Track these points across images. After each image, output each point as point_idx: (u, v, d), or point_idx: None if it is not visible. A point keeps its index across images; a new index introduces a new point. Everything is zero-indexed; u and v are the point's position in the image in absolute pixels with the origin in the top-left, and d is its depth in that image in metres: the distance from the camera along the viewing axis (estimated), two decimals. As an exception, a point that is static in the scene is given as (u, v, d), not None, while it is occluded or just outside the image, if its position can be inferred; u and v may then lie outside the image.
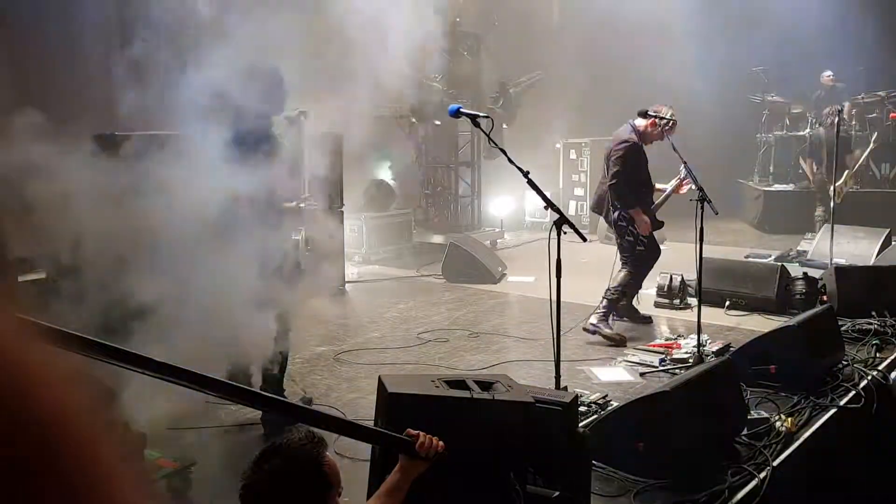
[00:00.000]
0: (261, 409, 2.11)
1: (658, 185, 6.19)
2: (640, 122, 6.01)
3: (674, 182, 6.09)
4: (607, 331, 5.84)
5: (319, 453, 2.07)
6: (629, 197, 5.96)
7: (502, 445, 2.77)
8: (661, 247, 6.49)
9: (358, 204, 9.51)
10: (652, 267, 6.32)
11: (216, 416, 4.25)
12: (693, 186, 5.48)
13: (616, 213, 6.00)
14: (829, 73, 11.66)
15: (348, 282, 8.08)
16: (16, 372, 0.41)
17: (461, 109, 4.27)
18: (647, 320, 6.31)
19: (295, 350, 5.81)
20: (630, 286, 6.13)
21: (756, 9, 12.07)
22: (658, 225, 6.17)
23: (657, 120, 5.89)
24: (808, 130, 11.23)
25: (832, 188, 8.28)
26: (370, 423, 2.71)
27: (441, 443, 2.41)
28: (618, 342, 5.76)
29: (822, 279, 6.53)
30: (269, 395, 2.22)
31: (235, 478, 2.10)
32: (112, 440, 0.45)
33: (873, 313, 5.83)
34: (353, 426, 2.39)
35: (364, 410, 4.19)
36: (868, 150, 10.32)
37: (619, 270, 6.06)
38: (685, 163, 5.39)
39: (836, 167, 8.46)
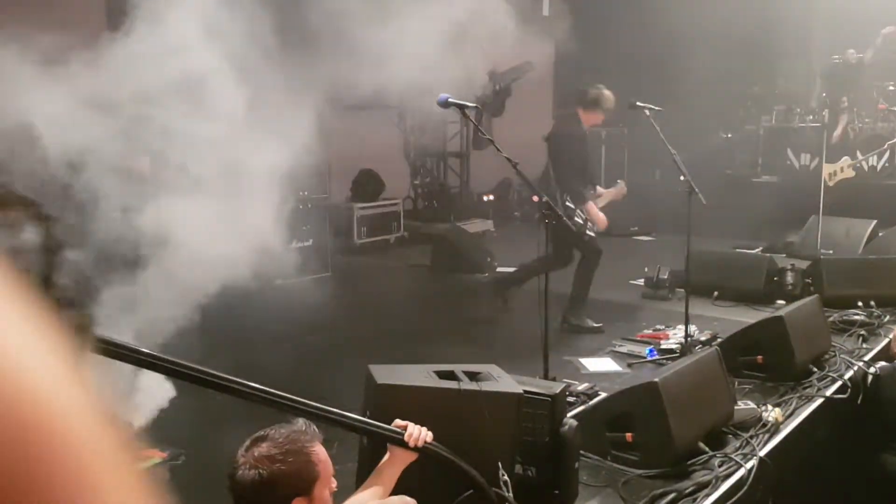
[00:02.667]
0: (244, 398, 2.10)
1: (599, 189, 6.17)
2: (582, 109, 6.05)
3: (610, 191, 6.11)
4: (585, 324, 5.91)
5: (309, 442, 2.07)
6: (580, 192, 5.87)
7: (491, 436, 2.78)
8: (649, 237, 6.51)
9: (346, 194, 9.49)
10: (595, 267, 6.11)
11: (205, 407, 4.23)
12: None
13: (566, 197, 5.86)
14: (852, 50, 11.49)
15: (336, 271, 8.05)
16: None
17: (450, 99, 4.25)
18: (599, 330, 5.96)
19: (283, 341, 5.81)
20: (586, 279, 6.00)
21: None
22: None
23: (585, 100, 5.97)
24: (796, 122, 11.27)
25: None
26: (359, 414, 2.70)
27: (430, 433, 2.41)
28: (598, 330, 5.85)
29: (809, 270, 6.56)
30: (256, 385, 2.21)
31: (225, 470, 2.09)
32: (107, 438, 0.44)
33: (860, 304, 5.87)
34: (342, 417, 2.38)
35: (352, 401, 4.17)
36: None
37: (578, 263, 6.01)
38: (674, 154, 5.38)
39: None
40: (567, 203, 5.84)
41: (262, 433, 2.09)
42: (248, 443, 2.08)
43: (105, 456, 0.43)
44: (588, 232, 5.92)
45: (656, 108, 5.58)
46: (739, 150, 12.30)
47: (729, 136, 12.37)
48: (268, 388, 2.20)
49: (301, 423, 2.13)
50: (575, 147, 5.95)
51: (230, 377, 2.14)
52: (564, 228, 5.73)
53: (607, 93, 6.01)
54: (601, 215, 5.90)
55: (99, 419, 0.44)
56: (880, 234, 8.07)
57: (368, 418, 2.60)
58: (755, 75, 12.31)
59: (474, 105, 4.22)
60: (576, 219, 5.82)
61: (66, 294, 0.64)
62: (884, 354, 4.94)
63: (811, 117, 11.08)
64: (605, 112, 6.02)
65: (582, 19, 11.49)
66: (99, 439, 0.43)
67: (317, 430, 2.13)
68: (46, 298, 0.59)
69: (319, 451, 2.09)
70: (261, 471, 2.00)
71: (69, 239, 0.67)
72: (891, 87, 11.14)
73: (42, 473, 0.39)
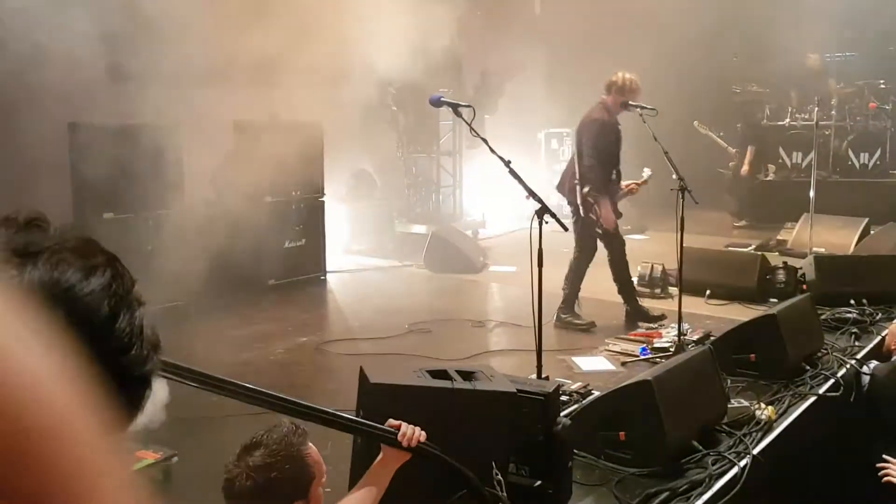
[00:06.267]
0: (236, 398, 2.09)
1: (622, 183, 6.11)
2: (605, 96, 5.96)
3: (631, 183, 6.03)
4: (577, 321, 5.95)
5: (302, 444, 2.06)
6: (600, 184, 5.83)
7: (484, 435, 2.77)
8: (643, 236, 6.52)
9: (339, 193, 9.47)
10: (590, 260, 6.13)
11: (198, 406, 4.21)
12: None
13: (586, 189, 5.82)
14: (814, 55, 11.67)
15: (330, 272, 8.04)
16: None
17: (443, 98, 4.25)
18: (591, 326, 5.99)
19: (277, 341, 5.81)
20: (580, 275, 6.02)
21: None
22: (617, 215, 6.03)
23: (616, 85, 5.87)
24: (787, 120, 11.32)
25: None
26: (352, 414, 2.69)
27: (423, 433, 2.40)
28: (587, 326, 5.89)
29: (801, 268, 6.57)
30: (250, 385, 2.20)
31: (218, 469, 2.08)
32: (104, 440, 0.44)
33: (852, 302, 5.88)
34: (335, 417, 2.37)
35: (346, 401, 4.17)
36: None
37: (572, 259, 6.03)
38: (666, 152, 5.39)
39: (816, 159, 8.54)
40: (587, 198, 5.82)
41: (254, 439, 2.07)
42: (239, 451, 2.05)
43: (101, 457, 0.43)
44: (598, 229, 5.92)
45: (649, 107, 5.59)
46: (732, 147, 12.32)
47: (721, 134, 12.40)
48: (260, 388, 2.19)
49: (288, 423, 2.11)
50: (597, 136, 5.83)
51: (221, 377, 2.13)
52: (586, 221, 5.86)
53: (626, 76, 5.89)
54: (611, 216, 5.86)
55: (94, 421, 0.44)
56: (872, 232, 8.11)
57: (362, 418, 2.59)
58: (747, 75, 12.34)
59: (467, 104, 4.20)
60: (591, 214, 5.84)
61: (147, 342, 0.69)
62: (877, 352, 4.95)
63: (805, 115, 11.11)
64: (628, 95, 5.83)
65: (576, 17, 11.53)
66: (95, 441, 0.43)
67: (304, 429, 2.12)
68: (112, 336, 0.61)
69: (312, 452, 2.09)
70: (258, 480, 1.98)
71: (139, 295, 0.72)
72: (881, 85, 11.20)
73: (39, 471, 0.39)
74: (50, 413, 0.41)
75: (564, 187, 6.09)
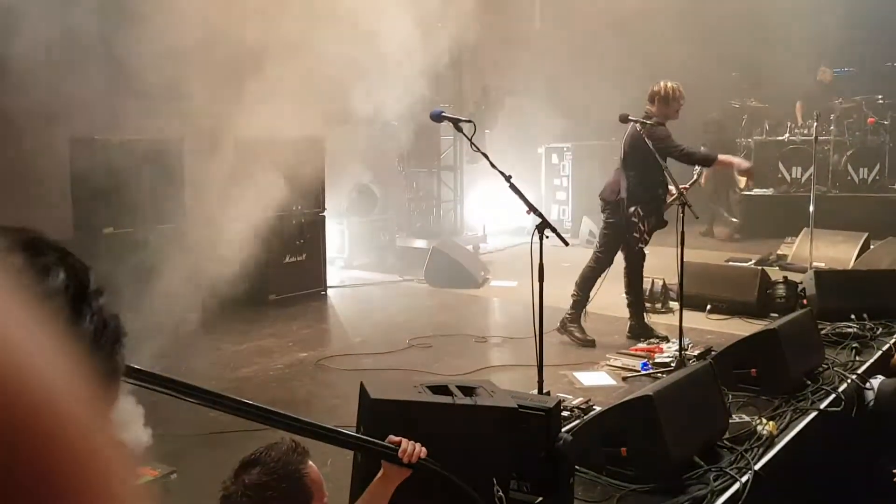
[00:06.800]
0: (235, 414, 2.08)
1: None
2: (650, 108, 5.85)
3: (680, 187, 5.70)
4: (578, 334, 5.88)
5: (301, 463, 2.04)
6: (642, 199, 5.75)
7: (485, 451, 2.76)
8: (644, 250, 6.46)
9: (340, 208, 9.49)
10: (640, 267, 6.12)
11: (197, 422, 4.20)
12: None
13: (632, 209, 5.76)
14: (827, 68, 11.75)
15: (330, 287, 8.04)
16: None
17: (443, 113, 4.26)
18: (591, 344, 5.87)
19: (277, 356, 5.79)
20: (592, 282, 5.95)
21: (738, 14, 12.18)
22: (661, 224, 5.93)
23: (659, 95, 5.79)
24: (786, 135, 11.36)
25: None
26: (352, 430, 2.68)
27: (424, 449, 2.39)
28: (587, 343, 5.82)
29: (801, 283, 6.57)
30: (250, 401, 2.20)
31: (217, 486, 2.07)
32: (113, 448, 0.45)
33: (852, 316, 5.87)
34: (335, 433, 2.37)
35: (346, 417, 4.16)
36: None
37: (587, 265, 5.97)
38: (665, 167, 5.41)
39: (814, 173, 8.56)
40: (633, 218, 5.76)
41: (252, 457, 2.05)
42: (237, 467, 2.04)
43: (105, 464, 0.44)
44: (640, 244, 5.89)
45: (648, 121, 5.60)
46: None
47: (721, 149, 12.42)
48: (260, 404, 2.18)
49: (288, 440, 2.09)
50: (656, 144, 5.62)
51: (222, 393, 2.13)
52: (625, 231, 5.80)
53: (665, 84, 5.82)
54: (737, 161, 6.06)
55: (99, 427, 0.44)
56: (872, 247, 8.11)
57: (362, 434, 2.59)
58: (748, 89, 12.39)
59: (468, 119, 4.21)
60: (634, 233, 5.81)
61: (100, 332, 0.65)
62: (881, 368, 4.94)
63: (804, 130, 11.16)
64: (672, 103, 5.78)
65: (576, 34, 11.60)
66: (100, 449, 0.43)
67: (305, 447, 2.10)
68: (78, 337, 0.59)
69: (311, 471, 2.06)
70: (253, 498, 1.97)
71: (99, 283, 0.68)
72: (880, 101, 11.24)
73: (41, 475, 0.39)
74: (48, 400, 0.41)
75: (606, 192, 5.94)
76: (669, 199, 5.83)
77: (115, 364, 0.69)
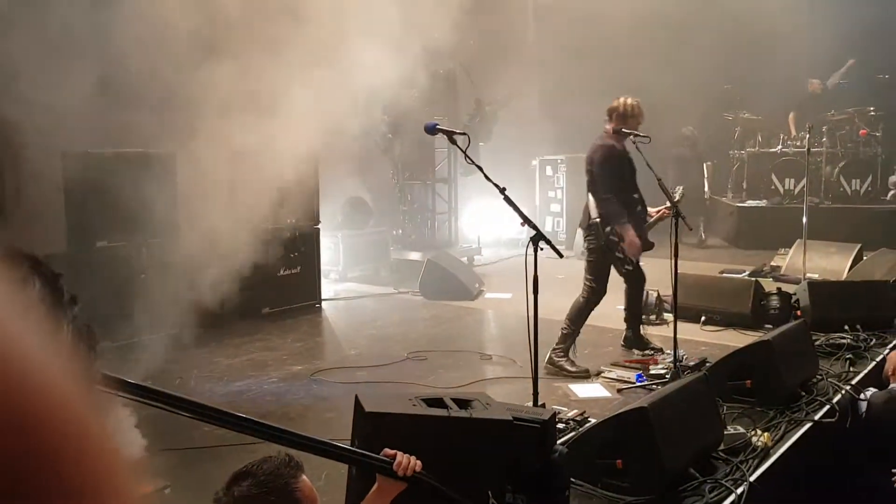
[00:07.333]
0: (229, 428, 2.07)
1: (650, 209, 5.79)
2: (608, 125, 5.73)
3: (661, 208, 5.65)
4: (570, 367, 5.54)
5: (292, 477, 2.03)
6: (620, 215, 5.54)
7: (480, 464, 2.76)
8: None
9: (334, 221, 9.49)
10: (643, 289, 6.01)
11: (191, 437, 4.18)
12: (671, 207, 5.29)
13: (608, 229, 5.53)
14: (816, 80, 11.93)
15: (325, 299, 8.03)
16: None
17: (438, 126, 4.28)
18: (585, 374, 5.52)
19: (271, 369, 5.78)
20: (583, 318, 5.71)
21: (730, 28, 12.27)
22: (648, 245, 5.71)
23: (617, 111, 5.66)
24: (779, 147, 11.44)
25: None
26: (347, 443, 2.67)
27: (419, 462, 2.39)
28: (581, 375, 5.48)
29: (795, 294, 6.59)
30: (244, 415, 2.19)
31: (210, 496, 2.06)
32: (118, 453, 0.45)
33: (846, 328, 5.89)
34: (330, 447, 2.36)
35: (341, 430, 4.14)
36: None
37: (577, 299, 5.71)
38: (659, 179, 5.42)
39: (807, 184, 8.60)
40: (611, 237, 5.52)
41: (244, 469, 2.04)
42: (229, 479, 2.03)
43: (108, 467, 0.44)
44: (626, 266, 5.65)
45: (643, 135, 5.61)
46: (724, 175, 12.44)
47: (713, 161, 12.50)
48: (253, 418, 2.18)
49: (282, 454, 2.08)
50: (603, 163, 5.56)
51: (216, 407, 2.12)
52: (608, 255, 5.55)
53: (627, 101, 5.71)
54: (635, 241, 5.53)
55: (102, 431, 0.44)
56: (865, 258, 8.14)
57: (357, 447, 2.58)
58: (740, 101, 12.47)
59: (462, 132, 4.22)
60: (617, 253, 5.56)
61: (77, 338, 0.65)
62: (873, 379, 4.95)
63: (798, 143, 11.23)
64: (630, 121, 5.64)
65: (568, 47, 11.66)
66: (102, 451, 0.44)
67: (298, 461, 2.09)
68: (56, 343, 0.58)
69: (303, 485, 2.05)
70: None
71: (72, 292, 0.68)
72: (871, 113, 11.32)
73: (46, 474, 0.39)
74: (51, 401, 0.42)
75: (584, 222, 5.75)
76: (653, 218, 5.67)
77: (93, 371, 0.69)
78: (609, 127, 5.74)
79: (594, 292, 5.69)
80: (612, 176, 5.59)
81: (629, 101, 5.73)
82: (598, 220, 5.58)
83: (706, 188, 12.06)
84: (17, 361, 0.39)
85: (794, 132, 11.75)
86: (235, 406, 4.55)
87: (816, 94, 11.88)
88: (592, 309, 5.72)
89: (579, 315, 5.68)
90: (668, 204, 5.43)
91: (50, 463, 0.39)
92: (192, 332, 6.10)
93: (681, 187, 5.76)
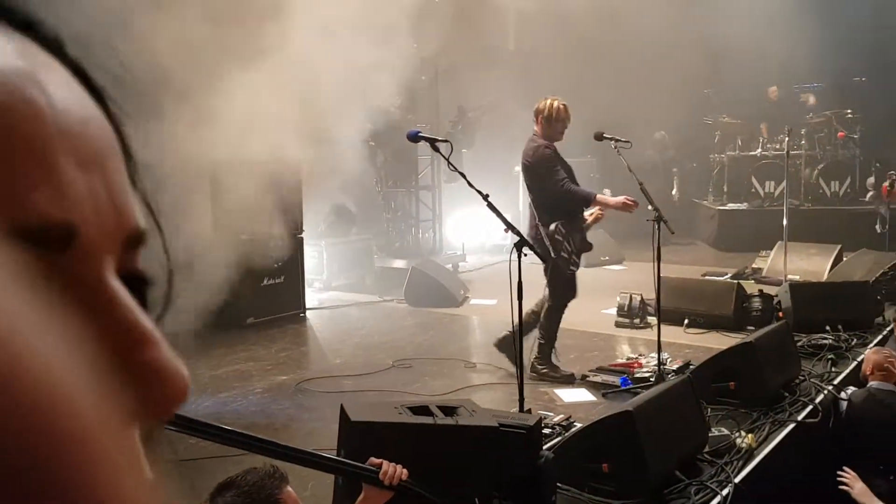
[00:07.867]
0: (213, 440, 2.06)
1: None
2: (535, 127, 5.52)
3: (595, 210, 5.49)
4: (553, 373, 5.45)
5: (276, 488, 2.02)
6: (580, 196, 5.35)
7: (467, 471, 2.76)
8: (620, 267, 6.47)
9: (318, 229, 9.46)
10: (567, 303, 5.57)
11: (174, 450, 4.15)
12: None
13: (553, 226, 5.26)
14: (773, 87, 12.17)
15: (309, 308, 8.00)
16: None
17: (420, 134, 4.28)
18: (570, 379, 5.44)
19: (255, 380, 5.75)
20: (555, 324, 5.52)
21: (709, 33, 12.39)
22: (587, 246, 5.50)
23: (542, 114, 5.45)
24: (759, 150, 11.55)
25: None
26: (333, 453, 2.67)
27: (405, 470, 2.39)
28: (565, 379, 5.42)
29: (777, 296, 6.65)
30: (228, 427, 2.18)
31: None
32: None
33: (828, 328, 5.95)
34: (315, 457, 2.35)
35: (327, 440, 4.13)
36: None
37: (545, 308, 5.47)
38: (641, 183, 5.45)
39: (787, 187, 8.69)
40: (556, 236, 5.26)
41: (227, 480, 2.03)
42: (212, 491, 2.02)
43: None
44: (571, 267, 5.40)
45: (623, 139, 5.63)
46: (705, 178, 12.56)
47: (694, 165, 12.61)
48: (238, 430, 2.17)
49: (267, 465, 2.06)
50: (539, 171, 5.36)
51: (198, 419, 2.11)
52: (557, 264, 5.24)
53: (548, 102, 5.46)
54: (619, 199, 5.42)
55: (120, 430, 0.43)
56: (845, 259, 8.23)
57: (343, 457, 2.57)
58: (719, 106, 12.60)
59: (445, 139, 4.23)
60: (562, 254, 5.29)
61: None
62: (854, 378, 4.99)
63: (776, 146, 11.34)
64: (555, 124, 5.40)
65: (549, 54, 11.72)
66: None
67: (283, 472, 2.07)
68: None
69: (287, 497, 2.03)
70: None
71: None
72: (849, 115, 11.46)
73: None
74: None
75: (531, 236, 5.29)
76: (587, 221, 5.47)
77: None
78: (535, 129, 5.50)
79: (558, 297, 5.46)
80: (554, 172, 5.33)
81: (556, 103, 5.44)
82: (537, 221, 5.34)
83: (675, 191, 12.28)
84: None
85: (766, 137, 11.90)
86: (220, 417, 4.52)
87: (774, 100, 12.16)
88: (561, 315, 5.51)
89: (549, 325, 5.49)
90: (619, 202, 5.44)
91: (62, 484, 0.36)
92: (175, 343, 6.05)
93: (607, 190, 5.72)
